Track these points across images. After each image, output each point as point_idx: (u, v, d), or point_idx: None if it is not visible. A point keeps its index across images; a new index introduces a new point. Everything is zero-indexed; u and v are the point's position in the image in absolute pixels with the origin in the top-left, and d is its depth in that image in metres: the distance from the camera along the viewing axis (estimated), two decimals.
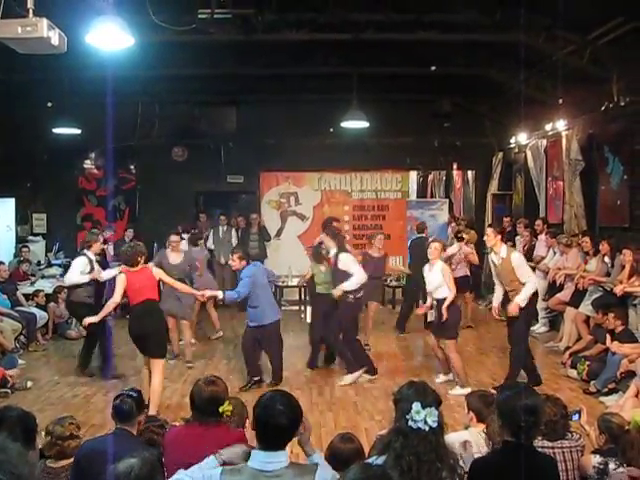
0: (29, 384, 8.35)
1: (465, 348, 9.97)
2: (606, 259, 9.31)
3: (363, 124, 12.33)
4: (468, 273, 11.53)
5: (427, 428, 3.00)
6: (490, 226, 9.24)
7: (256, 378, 8.32)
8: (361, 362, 8.60)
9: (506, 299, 8.17)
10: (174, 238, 9.94)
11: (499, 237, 8.28)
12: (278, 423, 2.93)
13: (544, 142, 12.55)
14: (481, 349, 10.31)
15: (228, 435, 4.01)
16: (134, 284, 7.29)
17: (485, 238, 8.36)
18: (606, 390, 7.71)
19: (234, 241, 13.98)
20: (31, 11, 5.23)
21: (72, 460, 4.14)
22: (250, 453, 2.98)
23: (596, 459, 4.18)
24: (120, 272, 7.49)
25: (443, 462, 3.00)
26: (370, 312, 10.38)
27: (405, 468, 2.94)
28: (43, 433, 4.33)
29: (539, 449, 3.65)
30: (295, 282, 13.02)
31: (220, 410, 3.98)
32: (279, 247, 14.80)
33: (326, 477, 2.91)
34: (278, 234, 15.10)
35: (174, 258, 9.72)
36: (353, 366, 8.55)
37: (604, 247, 9.31)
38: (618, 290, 8.52)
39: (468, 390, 6.91)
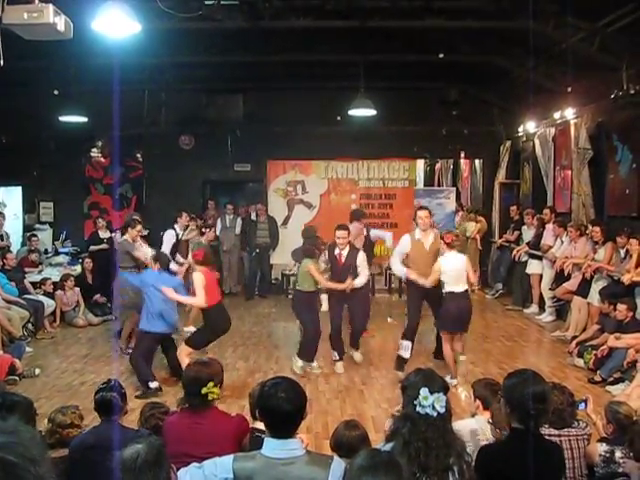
0: (37, 371, 8.40)
1: (472, 337, 9.96)
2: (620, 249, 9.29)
3: (370, 112, 12.27)
4: None
5: (435, 414, 3.00)
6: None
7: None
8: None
9: None
10: None
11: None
12: (283, 410, 2.93)
13: (552, 130, 12.46)
14: (488, 338, 10.29)
15: (225, 421, 3.98)
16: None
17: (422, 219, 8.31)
18: (612, 379, 7.71)
19: (238, 230, 13.98)
20: None
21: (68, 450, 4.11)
22: None
23: (602, 447, 4.18)
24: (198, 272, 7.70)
25: (451, 448, 3.00)
26: None
27: (413, 454, 2.94)
28: (46, 420, 4.35)
29: (546, 437, 3.64)
30: None
31: (203, 391, 3.90)
32: (286, 235, 14.77)
33: (340, 470, 2.89)
34: (285, 222, 15.08)
35: None
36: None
37: (622, 240, 9.17)
38: (626, 279, 8.50)
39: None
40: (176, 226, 11.24)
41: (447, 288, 7.80)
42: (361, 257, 8.70)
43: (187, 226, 11.56)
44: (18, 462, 1.18)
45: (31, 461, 1.20)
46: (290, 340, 10.23)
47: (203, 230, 11.23)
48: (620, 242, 9.27)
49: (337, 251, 8.68)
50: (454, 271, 7.75)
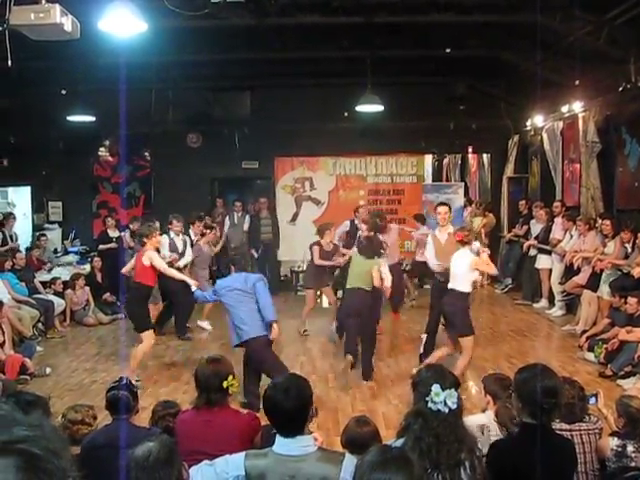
0: (48, 371, 8.44)
1: (481, 332, 9.94)
2: (626, 244, 9.27)
3: (378, 108, 12.25)
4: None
5: (447, 410, 2.99)
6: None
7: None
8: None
9: None
10: None
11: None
12: (282, 409, 2.93)
13: (560, 124, 12.41)
14: (498, 333, 10.27)
15: (236, 418, 4.00)
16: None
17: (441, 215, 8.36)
18: (623, 373, 7.68)
19: (246, 227, 13.96)
20: None
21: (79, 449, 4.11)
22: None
23: (614, 442, 4.16)
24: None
25: (462, 443, 3.00)
26: None
27: (425, 449, 2.94)
28: (60, 417, 4.37)
29: (557, 431, 3.64)
30: None
31: (224, 385, 3.94)
32: (294, 232, 14.79)
33: (352, 466, 2.89)
34: (293, 219, 15.09)
35: None
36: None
37: (626, 235, 9.23)
38: (636, 272, 8.47)
39: None
40: (190, 231, 11.15)
41: (449, 283, 7.64)
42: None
43: (202, 233, 11.41)
44: (43, 454, 1.21)
45: (54, 454, 1.23)
46: (298, 338, 10.25)
47: (204, 231, 11.19)
48: (624, 237, 9.25)
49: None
50: (458, 270, 7.50)
